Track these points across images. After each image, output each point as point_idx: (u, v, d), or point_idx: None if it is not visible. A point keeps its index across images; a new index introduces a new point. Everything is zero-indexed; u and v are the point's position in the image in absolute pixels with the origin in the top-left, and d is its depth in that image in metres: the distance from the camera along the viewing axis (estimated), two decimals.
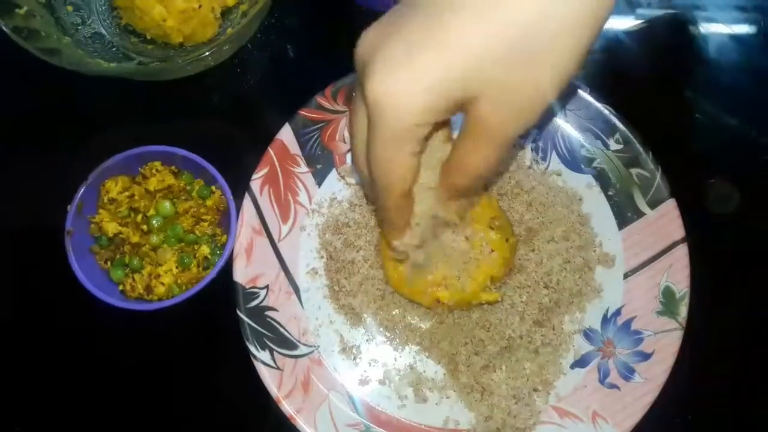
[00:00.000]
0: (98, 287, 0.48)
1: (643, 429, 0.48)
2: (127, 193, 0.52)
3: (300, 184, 0.54)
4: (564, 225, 0.53)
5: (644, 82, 0.60)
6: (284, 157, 0.54)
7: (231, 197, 0.51)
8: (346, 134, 0.55)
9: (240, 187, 0.52)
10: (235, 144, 0.57)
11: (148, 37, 0.58)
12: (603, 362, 0.51)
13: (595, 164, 0.55)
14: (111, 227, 0.51)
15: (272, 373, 0.49)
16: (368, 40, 0.33)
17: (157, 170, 0.52)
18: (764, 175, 0.57)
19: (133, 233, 0.51)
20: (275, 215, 0.53)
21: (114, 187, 0.51)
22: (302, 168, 0.54)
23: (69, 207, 0.50)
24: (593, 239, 0.53)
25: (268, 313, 0.51)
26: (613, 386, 0.49)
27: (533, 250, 0.52)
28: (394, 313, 0.51)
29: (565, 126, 0.55)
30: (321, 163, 0.55)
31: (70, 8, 0.57)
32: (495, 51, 0.30)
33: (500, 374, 0.50)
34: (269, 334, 0.50)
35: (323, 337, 0.51)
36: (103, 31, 0.58)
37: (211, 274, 0.49)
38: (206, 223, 0.52)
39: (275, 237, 0.53)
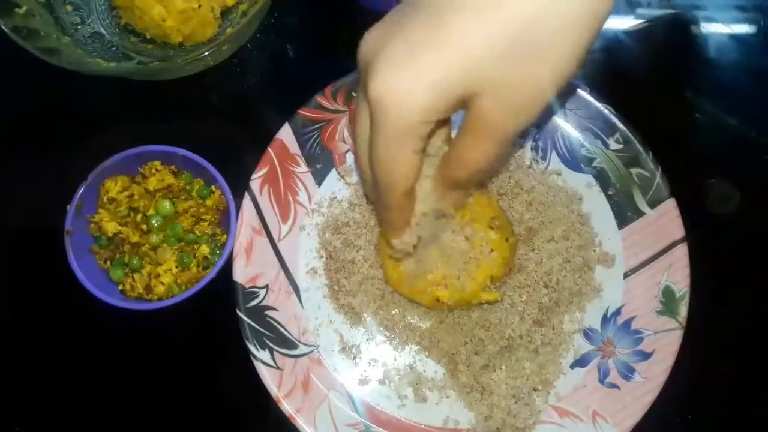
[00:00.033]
0: (98, 287, 0.48)
1: (643, 429, 0.48)
2: (126, 193, 0.52)
3: (300, 184, 0.54)
4: (564, 224, 0.53)
5: (644, 82, 0.60)
6: (284, 156, 0.54)
7: (231, 197, 0.51)
8: (346, 134, 0.55)
9: (240, 186, 0.52)
10: (234, 143, 0.57)
11: (148, 37, 0.58)
12: (603, 362, 0.51)
13: (595, 164, 0.55)
14: (110, 227, 0.51)
15: (272, 372, 0.49)
16: (371, 39, 0.33)
17: (156, 170, 0.52)
18: (764, 175, 0.57)
19: (132, 233, 0.51)
20: (275, 215, 0.53)
21: (113, 187, 0.51)
22: (302, 167, 0.54)
23: (68, 207, 0.50)
24: (593, 239, 0.53)
25: (268, 312, 0.51)
26: (613, 386, 0.49)
27: (533, 250, 0.52)
28: (393, 312, 0.51)
29: (565, 125, 0.55)
30: (321, 162, 0.55)
31: (69, 8, 0.57)
32: (496, 49, 0.30)
33: (500, 374, 0.50)
34: (269, 333, 0.50)
35: (323, 337, 0.51)
36: (103, 31, 0.58)
37: (211, 273, 0.49)
38: (206, 223, 0.52)
39: (275, 236, 0.53)
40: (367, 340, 0.51)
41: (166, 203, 0.51)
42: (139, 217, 0.51)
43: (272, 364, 0.49)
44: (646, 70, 0.61)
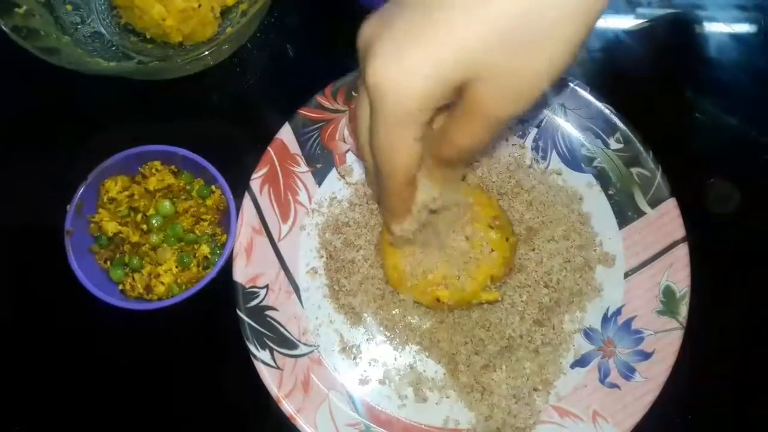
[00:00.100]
0: (98, 287, 0.48)
1: (643, 429, 0.48)
2: (126, 193, 0.52)
3: (300, 184, 0.54)
4: (564, 224, 0.53)
5: (644, 82, 0.60)
6: (284, 156, 0.54)
7: (231, 197, 0.51)
8: (346, 133, 0.55)
9: (240, 186, 0.52)
10: (234, 143, 0.57)
11: (148, 37, 0.58)
12: (603, 362, 0.51)
13: (595, 163, 0.55)
14: (111, 227, 0.51)
15: (272, 372, 0.49)
16: (369, 27, 0.33)
17: (156, 170, 0.52)
18: (764, 175, 0.57)
19: (132, 233, 0.51)
20: (275, 215, 0.53)
21: (113, 187, 0.51)
22: (302, 167, 0.54)
23: (68, 207, 0.50)
24: (593, 238, 0.53)
25: (268, 312, 0.51)
26: (613, 386, 0.49)
27: (533, 250, 0.52)
28: (394, 312, 0.51)
29: (565, 125, 0.55)
30: (321, 162, 0.55)
31: (69, 7, 0.57)
32: (494, 37, 0.30)
33: (500, 374, 0.50)
34: (269, 333, 0.50)
35: (323, 337, 0.51)
36: (103, 30, 0.58)
37: (211, 273, 0.49)
38: (206, 223, 0.52)
39: (275, 236, 0.53)
40: (367, 340, 0.51)
41: (166, 203, 0.51)
42: (139, 217, 0.51)
43: (272, 364, 0.49)
44: (646, 69, 0.61)
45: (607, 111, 0.54)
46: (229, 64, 0.58)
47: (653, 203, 0.53)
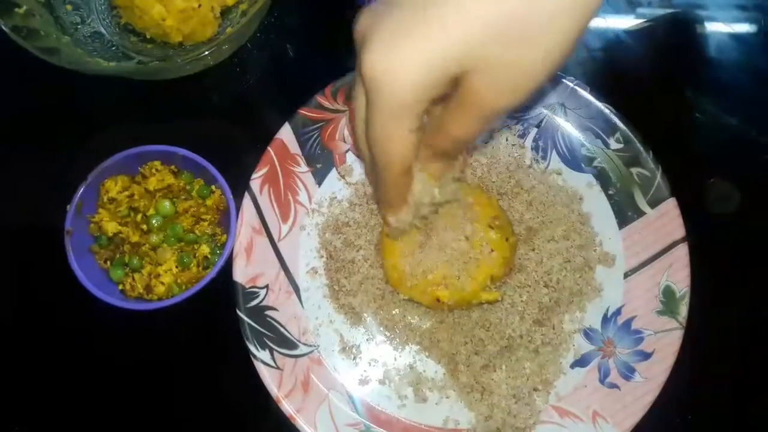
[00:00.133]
0: (98, 287, 0.48)
1: (643, 429, 0.48)
2: (126, 193, 0.52)
3: (300, 184, 0.54)
4: (564, 224, 0.53)
5: (644, 82, 0.60)
6: (284, 156, 0.54)
7: (231, 197, 0.50)
8: (346, 133, 0.55)
9: (240, 186, 0.52)
10: (234, 143, 0.57)
11: (148, 36, 0.58)
12: (603, 362, 0.51)
13: (595, 163, 0.55)
14: (110, 227, 0.51)
15: (272, 372, 0.49)
16: (366, 18, 0.33)
17: (156, 170, 0.52)
18: (764, 175, 0.57)
19: (132, 233, 0.51)
20: (275, 215, 0.53)
21: (113, 187, 0.51)
22: (302, 167, 0.54)
23: (68, 207, 0.50)
24: (593, 238, 0.53)
25: (268, 312, 0.51)
26: (613, 386, 0.50)
27: (533, 250, 0.52)
28: (394, 312, 0.51)
29: (565, 125, 0.55)
30: (321, 162, 0.55)
31: (69, 7, 0.57)
32: (490, 30, 0.30)
33: (500, 374, 0.50)
34: (269, 333, 0.50)
35: (323, 337, 0.51)
36: (103, 30, 0.58)
37: (211, 273, 0.49)
38: (206, 223, 0.52)
39: (275, 236, 0.53)
40: (367, 340, 0.51)
41: (166, 203, 0.51)
42: (139, 217, 0.51)
43: (272, 364, 0.49)
44: (646, 69, 0.61)
45: (607, 111, 0.54)
46: (229, 64, 0.58)
47: (653, 203, 0.53)
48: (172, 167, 0.53)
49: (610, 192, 0.54)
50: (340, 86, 0.54)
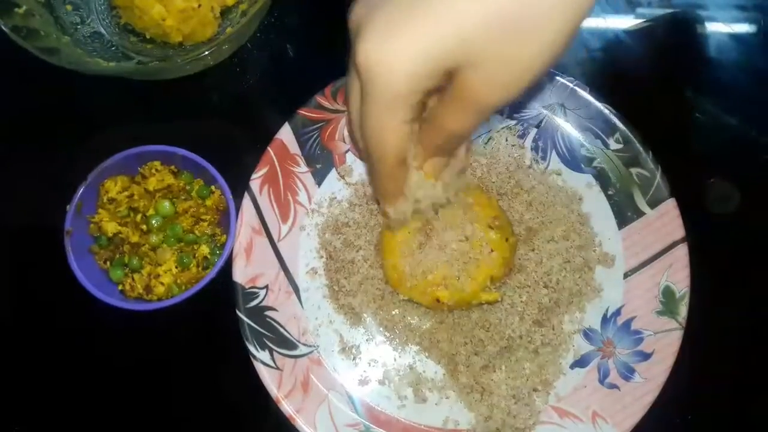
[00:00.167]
0: (98, 287, 0.48)
1: (643, 429, 0.48)
2: (126, 193, 0.52)
3: (300, 184, 0.54)
4: (564, 225, 0.53)
5: (644, 82, 0.60)
6: (284, 156, 0.54)
7: (230, 197, 0.50)
8: (346, 133, 0.55)
9: (240, 186, 0.52)
10: (234, 144, 0.57)
11: (148, 37, 0.58)
12: (603, 362, 0.51)
13: (595, 164, 0.55)
14: (110, 227, 0.51)
15: (272, 373, 0.49)
16: (361, 8, 0.33)
17: (156, 170, 0.52)
18: (764, 175, 0.57)
19: (132, 233, 0.51)
20: (275, 215, 0.53)
21: (113, 187, 0.51)
22: (302, 167, 0.54)
23: (68, 207, 0.50)
24: (593, 239, 0.53)
25: (268, 312, 0.51)
26: (613, 386, 0.49)
27: (533, 250, 0.52)
28: (393, 313, 0.51)
29: (565, 125, 0.55)
30: (321, 162, 0.55)
31: (69, 7, 0.57)
32: (486, 23, 0.30)
33: (500, 374, 0.50)
34: (269, 334, 0.50)
35: (323, 337, 0.51)
36: (103, 31, 0.58)
37: (211, 273, 0.49)
38: (206, 223, 0.52)
39: (275, 237, 0.53)
40: (367, 340, 0.51)
41: (166, 203, 0.51)
42: (139, 217, 0.51)
43: (272, 364, 0.49)
44: (646, 69, 0.61)
45: (606, 111, 0.54)
46: (229, 64, 0.58)
47: (653, 203, 0.53)
48: (172, 167, 0.53)
49: (610, 192, 0.54)
50: (340, 86, 0.54)
